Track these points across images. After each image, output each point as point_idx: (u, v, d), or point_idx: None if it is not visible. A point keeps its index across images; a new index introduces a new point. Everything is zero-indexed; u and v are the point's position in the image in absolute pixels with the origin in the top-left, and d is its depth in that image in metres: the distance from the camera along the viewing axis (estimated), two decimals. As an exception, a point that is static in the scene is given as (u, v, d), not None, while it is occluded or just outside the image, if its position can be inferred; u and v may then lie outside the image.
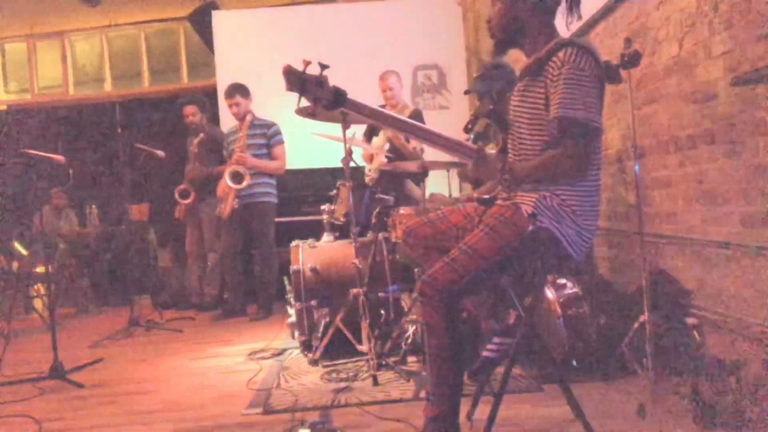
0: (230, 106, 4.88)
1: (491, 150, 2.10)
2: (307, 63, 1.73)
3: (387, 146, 4.06)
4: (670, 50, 2.76)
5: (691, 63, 2.60)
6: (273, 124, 4.92)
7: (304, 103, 1.79)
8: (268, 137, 4.89)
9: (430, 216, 2.17)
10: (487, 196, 2.03)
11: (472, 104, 5.88)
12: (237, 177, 4.73)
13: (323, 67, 1.74)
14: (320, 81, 1.72)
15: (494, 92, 2.23)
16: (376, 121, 1.89)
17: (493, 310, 2.21)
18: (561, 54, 1.81)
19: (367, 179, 4.43)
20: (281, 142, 4.93)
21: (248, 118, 4.81)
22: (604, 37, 3.49)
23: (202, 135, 5.12)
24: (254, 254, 5.06)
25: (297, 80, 1.70)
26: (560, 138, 1.81)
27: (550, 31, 1.95)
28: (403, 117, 1.91)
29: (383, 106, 3.35)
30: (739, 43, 2.26)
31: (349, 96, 1.83)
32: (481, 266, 1.83)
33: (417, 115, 4.25)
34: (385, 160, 4.04)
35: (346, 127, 3.11)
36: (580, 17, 1.97)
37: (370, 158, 4.49)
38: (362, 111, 1.88)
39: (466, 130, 2.05)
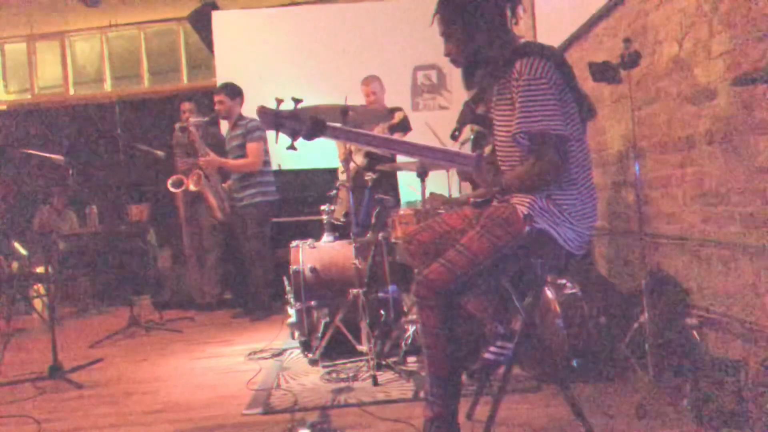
0: (215, 102, 4.91)
1: (488, 148, 2.10)
2: (280, 101, 1.75)
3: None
4: (670, 50, 2.76)
5: (691, 63, 2.60)
6: (251, 121, 4.80)
7: (283, 137, 1.79)
8: (244, 135, 4.80)
9: (428, 222, 2.17)
10: (481, 199, 2.03)
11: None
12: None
13: (297, 101, 1.76)
14: (295, 115, 1.72)
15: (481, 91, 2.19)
16: (358, 143, 1.89)
17: (498, 314, 2.21)
18: (517, 65, 1.83)
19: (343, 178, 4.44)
20: (257, 139, 4.77)
21: (234, 119, 4.87)
22: (604, 37, 3.49)
23: (178, 127, 5.14)
24: (244, 255, 5.03)
25: (272, 119, 1.71)
26: (529, 149, 1.83)
27: (507, 38, 1.95)
28: (387, 135, 1.91)
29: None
30: (739, 43, 2.25)
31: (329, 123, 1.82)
32: (477, 267, 1.83)
33: (387, 115, 4.21)
34: (362, 161, 4.06)
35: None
36: (517, 22, 1.98)
37: (345, 158, 4.49)
38: (344, 135, 1.89)
39: (453, 137, 2.06)
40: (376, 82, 4.57)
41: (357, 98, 4.56)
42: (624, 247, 3.42)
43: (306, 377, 3.04)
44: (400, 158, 3.98)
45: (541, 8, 4.55)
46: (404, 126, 4.41)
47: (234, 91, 4.88)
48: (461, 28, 1.93)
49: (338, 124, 1.92)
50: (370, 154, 4.26)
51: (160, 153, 5.09)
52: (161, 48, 7.69)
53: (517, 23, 1.97)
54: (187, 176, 5.04)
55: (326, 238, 3.77)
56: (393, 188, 4.56)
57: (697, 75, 2.56)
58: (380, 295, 3.36)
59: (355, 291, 3.16)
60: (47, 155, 3.60)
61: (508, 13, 1.95)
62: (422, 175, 3.20)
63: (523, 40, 1.98)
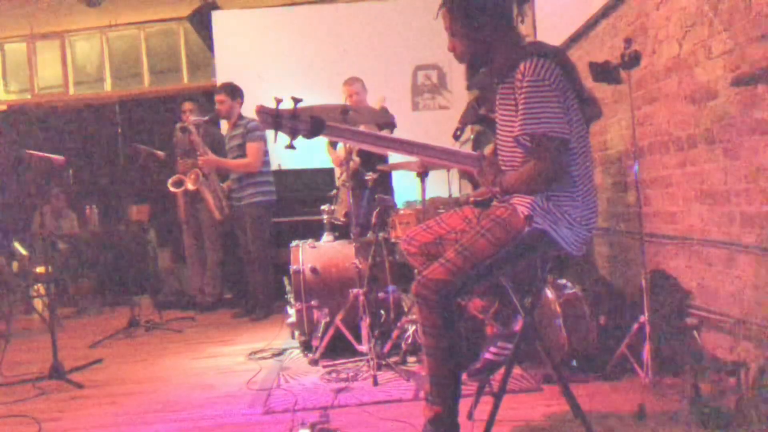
0: (216, 102, 4.91)
1: (489, 147, 2.10)
2: (279, 100, 1.76)
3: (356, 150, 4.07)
4: (670, 50, 2.76)
5: (691, 63, 2.60)
6: (251, 121, 4.78)
7: (282, 137, 1.79)
8: (244, 135, 4.79)
9: (428, 222, 2.17)
10: (481, 199, 2.03)
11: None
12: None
13: (296, 101, 1.76)
14: (294, 114, 1.73)
15: (485, 92, 2.20)
16: (358, 142, 1.88)
17: (498, 314, 2.21)
18: (522, 66, 1.81)
19: (338, 182, 4.44)
20: (256, 139, 4.76)
21: (234, 119, 4.86)
22: (605, 37, 3.49)
23: (179, 127, 5.13)
24: (243, 255, 5.03)
25: (271, 118, 1.71)
26: (531, 151, 1.82)
27: (512, 37, 1.94)
28: (389, 135, 1.91)
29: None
30: (739, 43, 2.25)
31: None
32: (477, 267, 1.83)
33: (386, 113, 4.20)
34: (357, 159, 4.06)
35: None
36: (523, 20, 1.98)
37: (340, 163, 4.49)
38: (343, 134, 1.89)
39: (456, 137, 2.05)
40: (359, 83, 4.56)
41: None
42: (624, 247, 3.42)
43: (306, 377, 3.04)
44: (400, 158, 3.98)
45: (541, 8, 4.53)
46: (390, 121, 4.39)
47: (234, 91, 4.88)
48: (467, 24, 1.92)
49: (337, 124, 1.92)
50: (363, 154, 4.24)
51: (160, 153, 5.09)
52: (161, 48, 7.68)
53: (523, 21, 1.97)
54: (187, 176, 5.05)
55: (326, 237, 3.77)
56: (387, 189, 4.54)
57: (697, 75, 2.56)
58: (380, 295, 3.36)
59: (355, 291, 3.16)
60: (47, 155, 3.58)
61: (515, 10, 1.94)
62: (422, 174, 3.19)
63: (528, 40, 1.97)
